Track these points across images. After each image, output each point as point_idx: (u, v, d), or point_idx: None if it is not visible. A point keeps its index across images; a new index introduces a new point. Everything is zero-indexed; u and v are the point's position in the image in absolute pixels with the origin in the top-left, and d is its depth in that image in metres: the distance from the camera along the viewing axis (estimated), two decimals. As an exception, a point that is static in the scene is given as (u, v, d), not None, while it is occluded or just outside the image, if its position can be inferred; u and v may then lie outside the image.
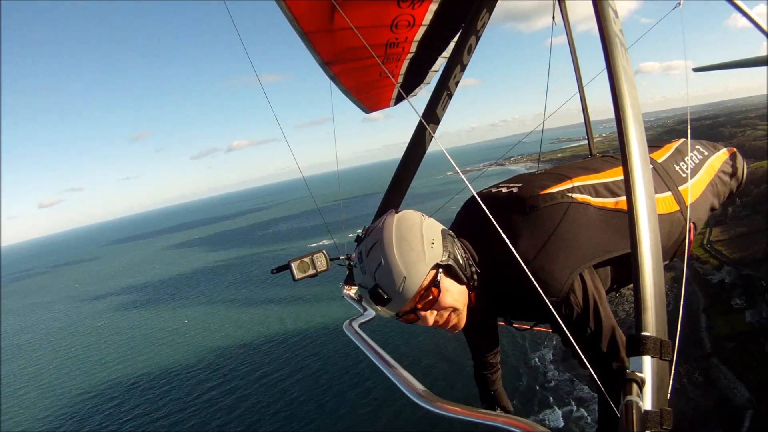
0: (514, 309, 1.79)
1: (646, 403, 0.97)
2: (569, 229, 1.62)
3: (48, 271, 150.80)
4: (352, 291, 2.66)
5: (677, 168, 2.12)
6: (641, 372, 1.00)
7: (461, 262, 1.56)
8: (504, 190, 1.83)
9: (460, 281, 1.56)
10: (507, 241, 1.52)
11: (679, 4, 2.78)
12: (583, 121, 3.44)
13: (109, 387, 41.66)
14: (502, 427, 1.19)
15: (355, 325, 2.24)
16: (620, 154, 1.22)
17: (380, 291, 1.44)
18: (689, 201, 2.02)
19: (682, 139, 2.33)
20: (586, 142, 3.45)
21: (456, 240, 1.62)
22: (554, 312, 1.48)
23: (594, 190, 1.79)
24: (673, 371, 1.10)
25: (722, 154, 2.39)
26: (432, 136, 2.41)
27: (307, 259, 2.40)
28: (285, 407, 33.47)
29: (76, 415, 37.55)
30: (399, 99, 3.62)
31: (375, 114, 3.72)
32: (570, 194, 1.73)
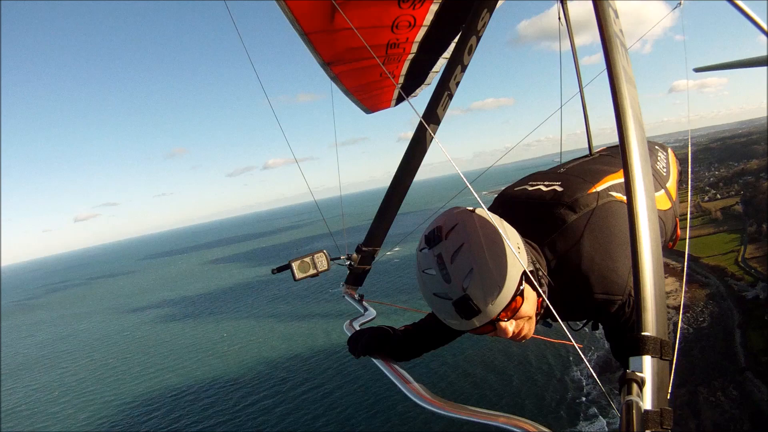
0: (566, 309, 1.68)
1: (647, 403, 0.97)
2: (621, 228, 1.59)
3: (84, 284, 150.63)
4: (353, 291, 2.66)
5: (658, 167, 2.22)
6: (641, 372, 1.00)
7: (535, 267, 1.48)
8: (543, 188, 1.77)
9: (534, 288, 1.44)
10: (543, 242, 1.49)
11: (680, 4, 2.78)
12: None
13: (147, 397, 41.68)
14: (502, 426, 1.19)
15: (356, 325, 2.24)
16: (620, 154, 1.22)
17: (471, 303, 1.29)
18: (674, 197, 2.17)
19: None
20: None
21: (526, 243, 1.52)
22: (611, 311, 1.49)
23: (622, 189, 1.77)
24: (673, 371, 1.10)
25: (672, 153, 2.51)
26: (432, 137, 2.41)
27: (307, 259, 2.40)
28: (332, 419, 32.97)
29: (115, 423, 37.62)
30: (399, 99, 3.63)
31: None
32: (610, 193, 1.72)
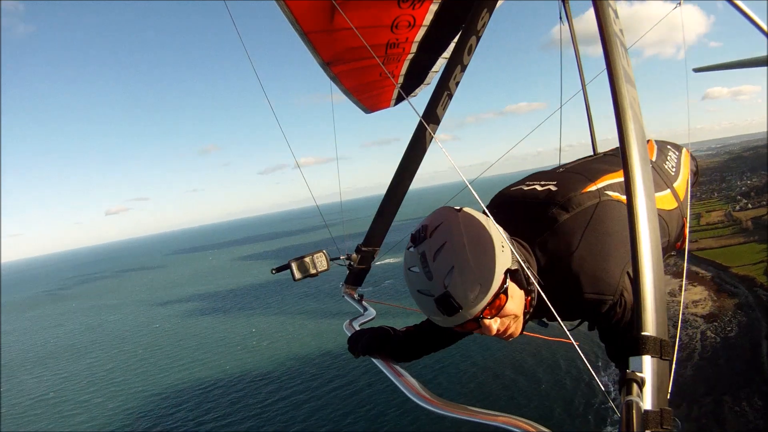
0: (558, 309, 1.68)
1: (646, 403, 0.97)
2: (614, 227, 1.60)
3: (114, 276, 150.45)
4: (353, 291, 2.66)
5: (666, 167, 2.21)
6: (641, 372, 1.00)
7: (522, 265, 1.48)
8: (539, 188, 1.78)
9: (520, 286, 1.46)
10: (533, 241, 1.49)
11: (679, 4, 2.78)
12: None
13: (176, 389, 41.59)
14: (502, 426, 1.19)
15: (356, 325, 2.24)
16: (620, 154, 1.22)
17: (451, 300, 1.31)
18: (682, 197, 2.13)
19: (652, 139, 2.41)
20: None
21: (514, 242, 1.54)
22: (602, 311, 1.49)
23: (621, 188, 1.78)
24: (673, 371, 1.10)
25: (686, 153, 2.48)
26: (432, 136, 2.41)
27: (307, 259, 2.40)
28: (361, 417, 32.58)
29: (144, 414, 37.55)
30: (399, 99, 3.63)
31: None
32: (606, 192, 1.72)
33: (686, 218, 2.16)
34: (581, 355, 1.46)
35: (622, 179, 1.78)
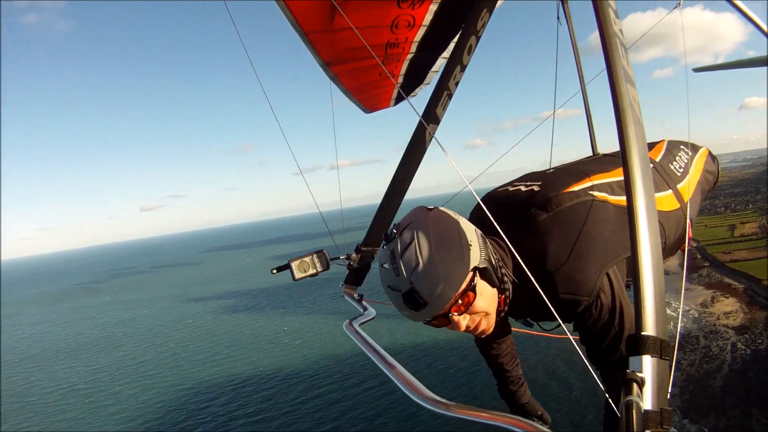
0: (538, 310, 1.73)
1: (646, 403, 0.97)
2: (595, 227, 1.61)
3: (147, 271, 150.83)
4: (352, 291, 2.66)
5: (672, 167, 2.19)
6: (641, 372, 1.00)
7: (494, 263, 1.50)
8: (522, 188, 1.80)
9: (492, 284, 1.49)
10: (509, 243, 1.50)
11: (679, 4, 2.79)
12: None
13: (208, 384, 41.58)
14: (503, 426, 1.19)
15: (355, 325, 2.24)
16: (620, 154, 1.22)
17: (417, 295, 1.35)
18: (686, 198, 2.10)
19: (666, 139, 2.40)
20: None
21: (488, 241, 1.55)
22: (578, 311, 1.49)
23: (610, 188, 1.79)
24: (673, 371, 1.11)
25: (703, 153, 2.46)
26: (432, 136, 2.41)
27: (307, 259, 2.40)
28: (394, 417, 32.15)
29: (176, 408, 37.60)
30: (399, 99, 3.63)
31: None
32: (591, 192, 1.72)
33: (689, 219, 2.13)
34: (578, 349, 1.46)
35: (610, 180, 1.83)
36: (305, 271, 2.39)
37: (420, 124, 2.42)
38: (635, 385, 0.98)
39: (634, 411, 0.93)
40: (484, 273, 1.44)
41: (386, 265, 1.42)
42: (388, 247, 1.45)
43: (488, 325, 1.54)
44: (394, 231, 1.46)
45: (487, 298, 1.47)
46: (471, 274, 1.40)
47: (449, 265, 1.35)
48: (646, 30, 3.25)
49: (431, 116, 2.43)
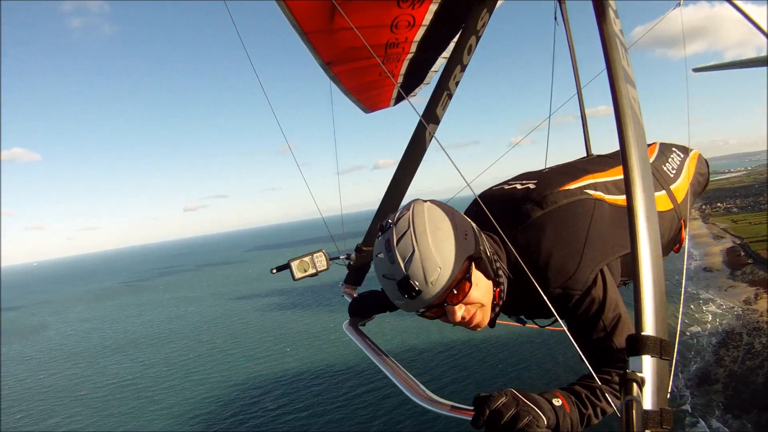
0: (532, 307, 1.75)
1: (646, 403, 0.97)
2: (589, 225, 1.62)
3: (192, 270, 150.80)
4: (352, 290, 2.66)
5: (665, 168, 2.22)
6: (641, 372, 1.00)
7: (489, 256, 1.51)
8: (519, 186, 1.81)
9: (487, 275, 1.49)
10: (504, 236, 1.52)
11: (679, 4, 2.79)
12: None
13: (256, 379, 41.45)
14: None
15: (356, 325, 2.24)
16: (620, 154, 1.22)
17: (411, 282, 1.34)
18: (679, 199, 2.14)
19: (658, 142, 2.42)
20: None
21: (483, 234, 1.57)
22: (569, 305, 1.50)
23: (606, 188, 1.81)
24: (672, 371, 1.10)
25: (694, 156, 2.49)
26: (432, 136, 2.41)
27: (307, 259, 2.40)
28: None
29: (226, 403, 37.46)
30: (399, 99, 3.63)
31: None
32: (587, 191, 1.74)
33: (684, 220, 2.16)
34: (572, 341, 1.47)
35: (606, 179, 1.86)
36: (305, 271, 2.40)
37: (420, 124, 2.42)
38: (635, 385, 0.98)
39: (634, 411, 0.93)
40: (479, 263, 1.45)
41: (381, 255, 1.42)
42: (383, 236, 1.44)
43: (483, 317, 1.53)
44: (390, 221, 1.46)
45: (482, 288, 1.47)
46: (466, 263, 1.40)
47: (444, 253, 1.35)
48: (649, 29, 3.25)
49: (431, 116, 2.43)
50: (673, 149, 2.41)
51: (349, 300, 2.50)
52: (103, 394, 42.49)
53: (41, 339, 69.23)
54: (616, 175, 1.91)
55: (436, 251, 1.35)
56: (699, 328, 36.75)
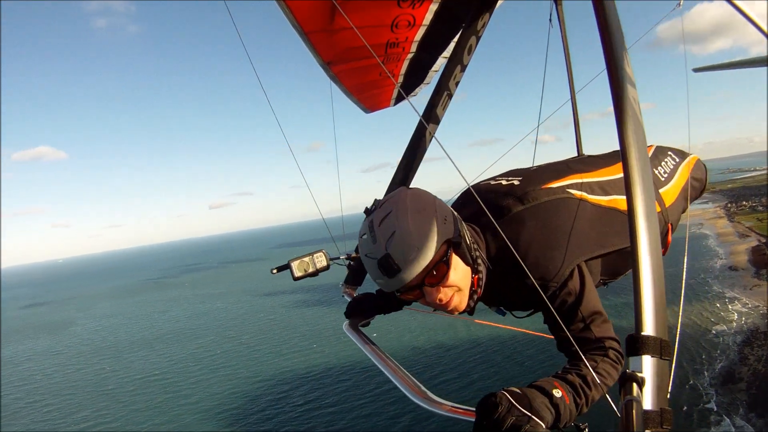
0: (511, 297, 1.81)
1: (646, 403, 0.97)
2: (568, 223, 1.67)
3: (218, 267, 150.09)
4: (352, 290, 2.66)
5: (656, 172, 2.24)
6: (641, 372, 1.00)
7: (468, 243, 1.57)
8: (504, 182, 1.87)
9: (466, 262, 1.55)
10: (497, 225, 1.56)
11: (679, 4, 2.79)
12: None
13: (284, 375, 41.36)
14: None
15: (356, 325, 2.25)
16: (619, 154, 1.22)
17: (391, 260, 1.40)
18: (667, 203, 2.15)
19: (655, 145, 2.42)
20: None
21: (464, 223, 1.63)
22: (546, 296, 1.53)
23: (590, 188, 1.85)
24: (672, 371, 1.10)
25: (691, 160, 2.50)
26: (432, 136, 2.41)
27: (307, 259, 2.40)
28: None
29: (254, 398, 37.37)
30: (399, 99, 3.63)
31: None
32: (569, 190, 1.78)
33: (672, 224, 2.18)
34: (567, 333, 1.47)
35: (591, 179, 1.89)
36: (305, 271, 2.40)
37: (420, 124, 2.42)
38: (635, 385, 0.97)
39: (634, 411, 0.93)
40: (458, 248, 1.51)
41: (365, 236, 1.48)
42: (368, 218, 1.52)
43: (460, 301, 1.58)
44: (374, 205, 1.54)
45: (460, 273, 1.53)
46: (444, 246, 1.46)
47: (424, 235, 1.42)
48: (648, 29, 3.24)
49: (431, 116, 2.43)
50: (669, 153, 2.42)
51: (350, 300, 2.51)
52: (130, 388, 42.56)
53: (68, 334, 69.47)
54: (602, 175, 1.95)
55: (415, 233, 1.41)
56: (724, 327, 36.60)
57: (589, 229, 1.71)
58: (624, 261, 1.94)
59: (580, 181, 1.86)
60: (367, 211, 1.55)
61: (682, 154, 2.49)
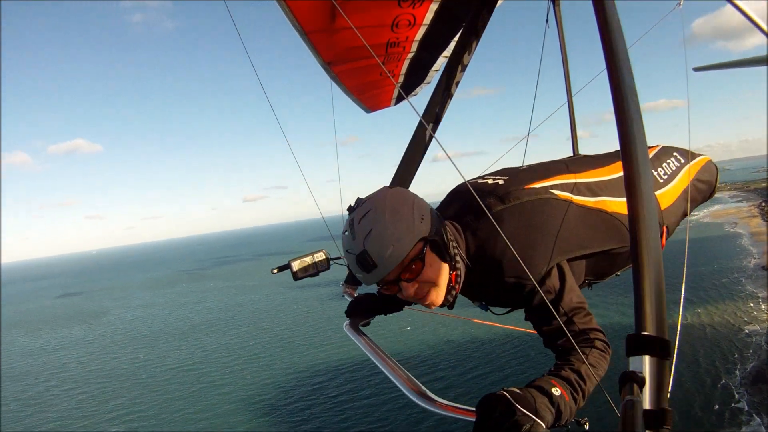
0: (492, 294, 1.83)
1: (647, 403, 0.96)
2: (548, 222, 1.70)
3: (252, 259, 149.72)
4: (352, 290, 2.66)
5: (655, 173, 2.22)
6: (641, 372, 1.00)
7: (446, 241, 1.62)
8: (490, 181, 1.90)
9: (443, 259, 1.60)
10: (493, 220, 1.58)
11: (679, 4, 2.79)
12: None
13: (319, 367, 41.16)
14: None
15: (356, 325, 2.25)
16: (621, 155, 1.22)
17: (368, 256, 1.48)
18: (663, 206, 2.13)
19: (661, 146, 2.41)
20: None
21: (443, 221, 1.68)
22: (524, 294, 1.57)
23: (576, 189, 1.86)
24: (673, 371, 1.10)
25: (698, 162, 2.45)
26: (432, 136, 2.41)
27: (307, 259, 2.41)
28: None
29: (285, 387, 37.47)
30: (399, 99, 3.63)
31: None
32: (552, 191, 1.80)
33: (667, 226, 2.16)
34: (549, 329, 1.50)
35: (579, 180, 1.90)
36: (306, 271, 2.40)
37: (420, 124, 2.42)
38: (635, 385, 0.97)
39: (634, 411, 0.93)
40: (433, 246, 1.57)
41: (347, 233, 1.57)
42: (350, 216, 1.59)
43: (436, 296, 1.64)
44: (356, 203, 1.62)
45: (436, 270, 1.58)
46: (420, 243, 1.53)
47: (399, 233, 1.49)
48: (648, 30, 3.24)
49: (432, 116, 2.43)
50: (674, 154, 2.38)
51: (350, 300, 2.51)
52: (164, 378, 42.62)
53: (102, 324, 69.63)
54: (592, 176, 1.95)
55: (391, 230, 1.49)
56: (757, 327, 36.37)
57: (572, 229, 1.73)
58: (611, 262, 1.96)
59: (566, 181, 1.87)
60: (350, 209, 1.63)
61: (688, 156, 2.44)
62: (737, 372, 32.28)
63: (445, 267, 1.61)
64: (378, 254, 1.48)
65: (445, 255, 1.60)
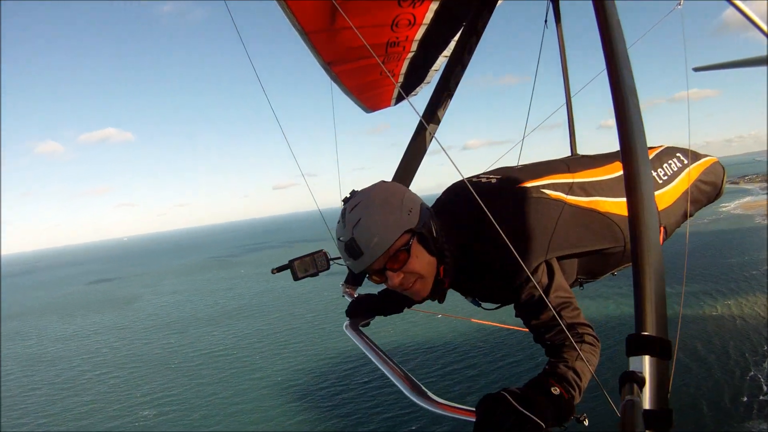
0: (481, 289, 1.86)
1: (647, 403, 0.96)
2: (539, 221, 1.72)
3: (281, 246, 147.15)
4: (352, 290, 2.66)
5: (655, 174, 2.20)
6: (641, 372, 1.00)
7: (435, 235, 1.66)
8: (483, 180, 1.94)
9: (430, 252, 1.64)
10: (489, 213, 1.56)
11: (679, 4, 2.79)
12: None
13: (346, 353, 39.46)
14: None
15: (356, 325, 2.25)
16: (621, 155, 1.23)
17: (355, 244, 1.56)
18: (661, 207, 2.12)
19: (664, 146, 2.39)
20: None
21: (434, 216, 1.72)
22: (511, 290, 1.59)
23: (569, 189, 1.87)
24: (673, 371, 1.10)
25: (703, 163, 2.42)
26: (432, 136, 2.41)
27: (307, 259, 2.41)
28: None
29: (317, 373, 37.06)
30: (399, 99, 3.63)
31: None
32: (544, 190, 1.82)
33: (666, 227, 2.15)
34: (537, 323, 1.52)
35: (572, 180, 1.91)
36: (306, 271, 2.41)
37: (420, 124, 2.43)
38: (635, 385, 0.97)
39: (634, 411, 0.93)
40: (420, 238, 1.62)
41: (339, 221, 1.65)
42: (343, 206, 1.66)
43: (423, 288, 1.68)
44: (350, 194, 1.69)
45: (422, 261, 1.63)
46: (407, 235, 1.58)
47: (385, 223, 1.56)
48: (648, 29, 3.24)
49: (432, 116, 2.43)
50: (678, 154, 2.35)
51: (350, 300, 2.51)
52: (196, 363, 42.48)
53: (133, 309, 69.51)
54: (587, 176, 1.96)
55: (379, 220, 1.56)
56: None
57: (563, 228, 1.75)
58: (604, 262, 1.96)
59: (561, 181, 1.89)
60: (345, 200, 1.69)
61: (692, 156, 2.40)
62: (765, 364, 31.28)
63: (432, 260, 1.66)
64: (365, 243, 1.55)
65: (432, 248, 1.64)
